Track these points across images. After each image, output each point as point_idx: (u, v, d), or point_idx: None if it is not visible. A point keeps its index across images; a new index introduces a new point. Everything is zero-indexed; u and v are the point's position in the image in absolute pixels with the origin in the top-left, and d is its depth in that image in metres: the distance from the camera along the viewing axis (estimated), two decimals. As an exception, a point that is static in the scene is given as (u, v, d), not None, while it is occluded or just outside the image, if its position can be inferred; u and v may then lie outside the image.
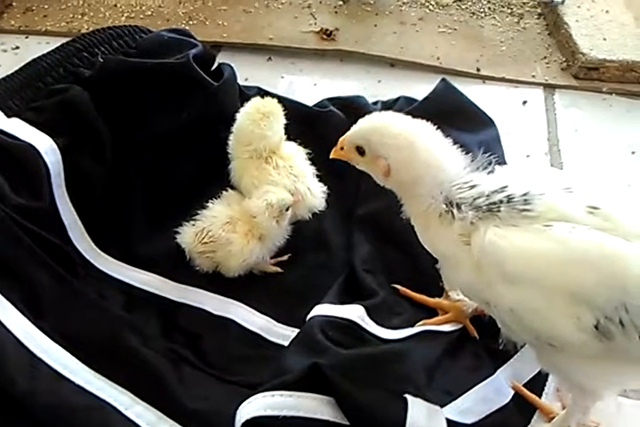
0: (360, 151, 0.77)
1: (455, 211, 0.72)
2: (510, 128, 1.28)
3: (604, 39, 1.48)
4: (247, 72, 1.36)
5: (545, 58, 1.51)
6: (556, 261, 0.66)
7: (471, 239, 0.70)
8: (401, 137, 0.73)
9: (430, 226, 0.74)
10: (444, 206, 0.72)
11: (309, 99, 1.27)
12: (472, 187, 0.72)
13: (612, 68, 1.42)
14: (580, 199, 0.69)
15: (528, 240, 0.66)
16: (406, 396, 0.73)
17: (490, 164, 0.76)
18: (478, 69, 1.45)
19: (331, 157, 0.83)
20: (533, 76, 1.45)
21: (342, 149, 0.80)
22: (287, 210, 0.99)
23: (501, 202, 0.70)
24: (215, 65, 1.19)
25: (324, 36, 1.49)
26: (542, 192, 0.69)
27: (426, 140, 0.73)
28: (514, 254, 0.67)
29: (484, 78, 1.45)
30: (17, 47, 1.49)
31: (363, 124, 0.77)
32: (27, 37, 1.52)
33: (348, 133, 0.78)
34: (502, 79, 1.44)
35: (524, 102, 1.40)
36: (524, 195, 0.70)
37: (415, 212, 0.76)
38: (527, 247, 0.66)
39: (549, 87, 1.44)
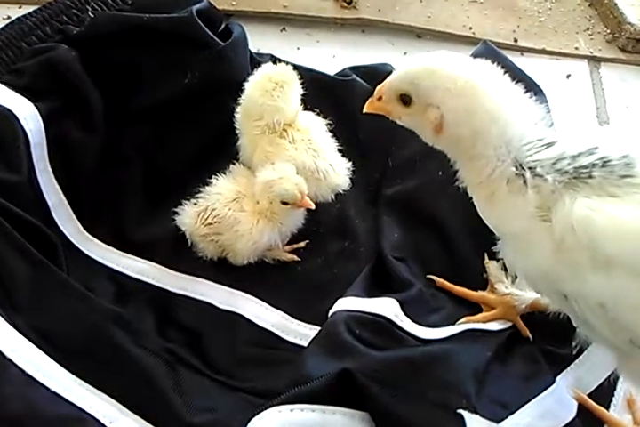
0: (404, 100, 0.63)
1: (528, 175, 0.57)
2: (555, 103, 1.15)
3: (653, 9, 1.37)
4: (259, 43, 1.25)
5: (588, 29, 1.42)
6: None
7: (552, 213, 0.56)
8: (460, 80, 0.58)
9: (495, 196, 0.60)
10: (514, 169, 0.58)
11: (328, 72, 1.15)
12: (548, 145, 0.58)
13: (662, 41, 1.32)
14: None
15: (632, 215, 0.53)
16: (461, 412, 0.59)
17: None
18: (516, 40, 1.35)
19: (365, 111, 0.69)
20: (576, 49, 1.36)
21: (380, 99, 0.65)
22: (284, 204, 0.86)
23: (594, 166, 0.56)
24: (223, 26, 1.07)
25: (344, 4, 1.38)
26: None
27: (491, 85, 0.59)
28: (613, 233, 0.53)
29: (523, 50, 1.35)
30: (8, 17, 1.36)
31: (411, 66, 0.62)
32: (20, 7, 1.40)
33: (390, 78, 0.64)
34: (543, 51, 1.34)
35: (568, 76, 1.30)
36: (624, 157, 0.56)
37: (475, 178, 0.62)
38: (631, 224, 0.53)
39: (594, 60, 1.34)
